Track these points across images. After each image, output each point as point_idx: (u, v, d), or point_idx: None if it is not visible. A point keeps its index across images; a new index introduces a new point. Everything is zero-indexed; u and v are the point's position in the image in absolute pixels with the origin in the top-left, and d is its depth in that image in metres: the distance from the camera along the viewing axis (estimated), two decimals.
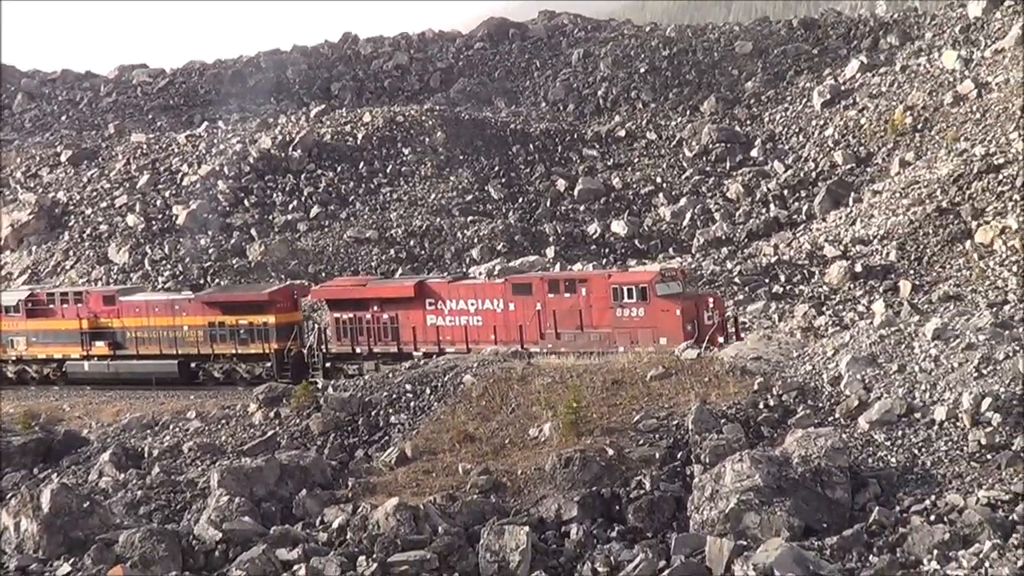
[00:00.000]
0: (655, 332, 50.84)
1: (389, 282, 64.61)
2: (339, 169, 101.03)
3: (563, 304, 53.69)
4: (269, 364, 61.14)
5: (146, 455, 47.03)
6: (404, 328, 57.75)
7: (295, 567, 33.69)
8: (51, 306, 67.98)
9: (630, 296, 52.03)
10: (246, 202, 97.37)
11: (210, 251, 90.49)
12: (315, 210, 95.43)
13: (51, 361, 67.38)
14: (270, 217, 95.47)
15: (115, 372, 65.12)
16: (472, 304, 56.33)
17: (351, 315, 59.23)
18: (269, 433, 46.49)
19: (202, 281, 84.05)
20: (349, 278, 70.62)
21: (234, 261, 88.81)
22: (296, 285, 69.33)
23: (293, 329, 62.02)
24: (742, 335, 52.98)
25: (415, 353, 56.47)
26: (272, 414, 48.24)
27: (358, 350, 58.99)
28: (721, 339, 50.70)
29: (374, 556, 33.96)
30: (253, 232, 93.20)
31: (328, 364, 59.74)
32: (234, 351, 62.52)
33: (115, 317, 65.88)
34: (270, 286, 67.11)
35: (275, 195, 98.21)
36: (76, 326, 66.23)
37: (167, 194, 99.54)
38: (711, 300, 53.73)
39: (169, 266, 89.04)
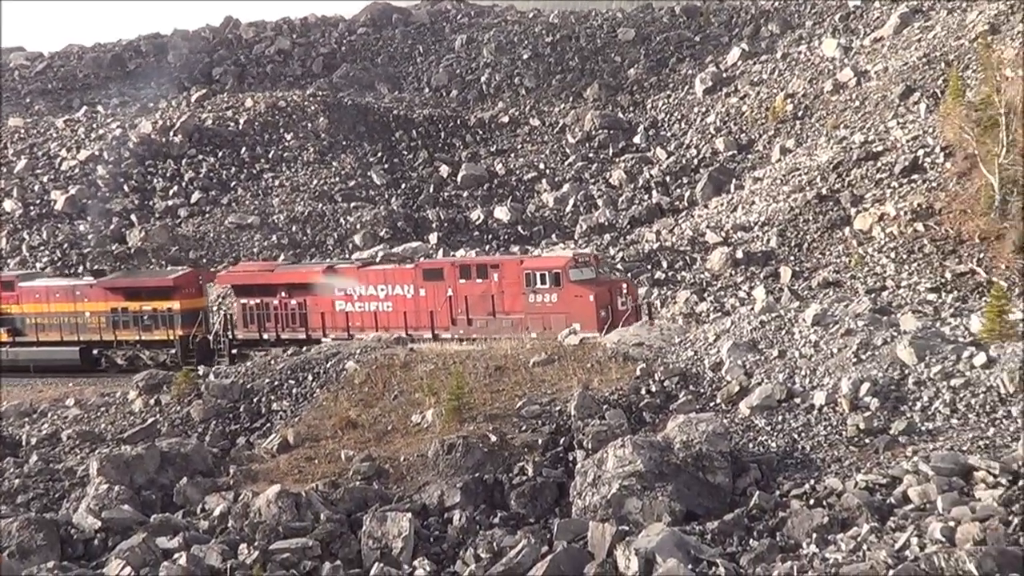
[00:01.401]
0: (568, 318, 50.24)
1: (297, 267, 63.76)
2: (220, 154, 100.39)
3: (475, 290, 53.26)
4: (174, 351, 60.48)
5: (24, 443, 46.39)
6: (313, 314, 57.33)
7: (175, 555, 33.24)
8: None
9: (543, 282, 51.50)
10: (126, 187, 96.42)
11: (89, 237, 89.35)
12: (196, 196, 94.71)
13: None
14: (150, 203, 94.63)
15: (13, 359, 63.96)
16: (382, 290, 55.83)
17: (258, 301, 58.66)
18: (149, 420, 46.05)
19: (80, 268, 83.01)
20: (256, 263, 69.65)
21: (114, 247, 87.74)
22: (202, 270, 68.57)
23: (198, 315, 61.34)
24: (655, 321, 52.98)
25: (324, 339, 55.95)
26: (152, 401, 47.80)
27: (265, 336, 58.51)
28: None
29: (256, 544, 33.66)
30: (133, 218, 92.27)
31: (235, 351, 59.19)
32: (138, 338, 61.75)
33: (14, 303, 64.90)
34: (175, 271, 66.16)
35: (155, 180, 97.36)
36: None
37: (45, 179, 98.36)
38: (624, 285, 53.54)
39: (47, 252, 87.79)
